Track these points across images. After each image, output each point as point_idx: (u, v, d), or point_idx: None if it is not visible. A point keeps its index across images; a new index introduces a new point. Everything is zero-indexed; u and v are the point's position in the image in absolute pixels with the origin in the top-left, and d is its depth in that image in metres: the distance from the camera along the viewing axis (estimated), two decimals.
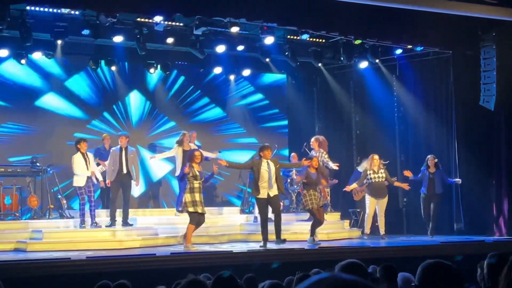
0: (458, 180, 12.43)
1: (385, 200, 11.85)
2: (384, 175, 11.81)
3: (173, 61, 14.02)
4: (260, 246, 10.18)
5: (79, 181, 11.04)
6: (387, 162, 12.20)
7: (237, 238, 11.86)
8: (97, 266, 8.15)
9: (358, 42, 13.00)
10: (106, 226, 11.25)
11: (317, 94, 15.61)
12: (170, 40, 12.25)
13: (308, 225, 11.16)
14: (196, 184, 10.00)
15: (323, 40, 13.52)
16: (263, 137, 14.51)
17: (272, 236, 10.34)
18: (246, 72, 14.71)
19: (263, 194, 10.20)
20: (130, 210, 11.74)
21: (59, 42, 11.63)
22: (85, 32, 11.56)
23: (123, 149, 11.55)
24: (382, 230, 11.85)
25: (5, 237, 10.47)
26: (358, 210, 13.43)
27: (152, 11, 11.00)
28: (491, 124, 12.65)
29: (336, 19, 11.52)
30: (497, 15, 11.47)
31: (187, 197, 10.00)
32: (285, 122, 15.64)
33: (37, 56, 12.41)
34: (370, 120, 14.70)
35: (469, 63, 12.72)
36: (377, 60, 13.81)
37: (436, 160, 12.38)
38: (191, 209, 9.95)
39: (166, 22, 11.88)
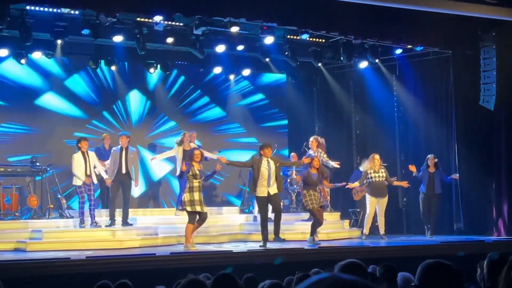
0: (455, 175, 12.39)
1: (385, 200, 11.86)
2: (384, 174, 11.81)
3: (173, 61, 14.02)
4: (260, 246, 10.17)
5: (77, 180, 11.05)
6: (385, 164, 12.20)
7: (237, 238, 11.86)
8: (97, 266, 8.15)
9: (357, 42, 12.99)
10: (106, 226, 11.25)
11: (317, 94, 15.61)
12: (170, 40, 12.25)
13: (308, 225, 11.16)
14: (196, 183, 10.00)
15: (323, 40, 13.53)
16: (263, 137, 14.51)
17: (272, 236, 10.34)
18: (246, 72, 14.71)
19: (263, 193, 10.20)
20: (130, 210, 11.75)
21: (59, 41, 11.63)
22: (85, 31, 11.57)
23: (124, 149, 11.55)
24: (382, 230, 11.85)
25: (5, 237, 10.47)
26: (358, 210, 13.43)
27: (152, 10, 11.00)
28: (491, 124, 12.65)
29: (336, 19, 11.52)
30: (497, 15, 11.46)
31: (186, 196, 10.02)
32: (285, 122, 15.65)
33: (37, 56, 12.41)
34: (370, 120, 14.70)
35: (469, 63, 12.71)
36: (377, 60, 13.81)
37: (436, 160, 12.38)
38: (189, 209, 9.97)
39: (166, 22, 11.87)
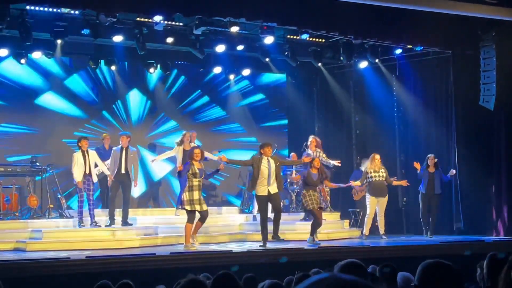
0: (452, 171, 12.38)
1: (385, 200, 11.85)
2: (384, 174, 11.82)
3: (173, 61, 14.02)
4: (260, 246, 10.17)
5: (76, 179, 11.07)
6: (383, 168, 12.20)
7: (237, 237, 11.85)
8: (97, 266, 8.16)
9: (357, 42, 12.99)
10: (106, 226, 11.25)
11: (317, 93, 15.61)
12: (170, 39, 12.25)
13: (307, 224, 11.16)
14: (195, 182, 10.01)
15: (323, 40, 13.53)
16: (263, 136, 14.51)
17: (270, 235, 10.34)
18: (246, 72, 14.71)
19: (263, 192, 10.19)
20: (130, 210, 11.75)
21: (59, 41, 11.63)
22: (85, 31, 11.57)
23: (124, 149, 11.55)
24: (381, 230, 11.85)
25: (4, 237, 10.46)
26: (358, 210, 13.44)
27: (152, 10, 11.00)
28: (490, 124, 12.65)
29: (336, 19, 11.52)
30: (497, 15, 11.47)
31: (185, 195, 10.04)
32: (285, 122, 15.65)
33: (37, 55, 12.40)
34: (370, 119, 14.70)
35: (469, 63, 12.72)
36: (377, 60, 13.81)
37: (436, 160, 12.38)
38: (188, 208, 9.99)
39: (166, 22, 11.87)
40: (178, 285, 4.17)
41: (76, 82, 13.66)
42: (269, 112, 15.55)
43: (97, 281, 5.21)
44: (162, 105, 14.51)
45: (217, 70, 14.37)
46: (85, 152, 11.15)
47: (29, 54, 12.26)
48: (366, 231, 11.95)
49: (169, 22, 12.01)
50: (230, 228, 12.26)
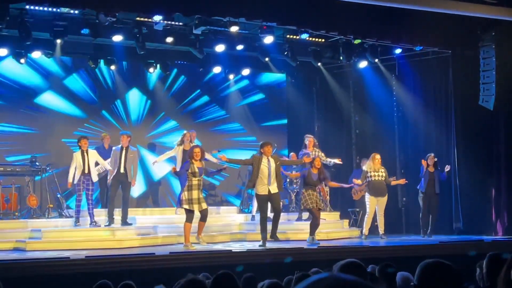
0: (447, 166, 12.37)
1: (384, 199, 11.86)
2: (384, 174, 11.83)
3: (173, 61, 14.01)
4: (260, 246, 10.17)
5: (68, 179, 11.16)
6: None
7: (236, 237, 11.85)
8: (96, 266, 8.15)
9: (357, 41, 13.01)
10: (105, 226, 11.25)
11: (317, 93, 15.61)
12: (169, 39, 12.25)
13: (306, 224, 11.17)
14: (195, 181, 10.02)
15: (323, 40, 13.53)
16: (262, 136, 14.49)
17: (268, 234, 10.34)
18: (246, 72, 14.71)
19: (263, 191, 10.19)
20: (130, 209, 11.75)
21: (58, 41, 11.62)
22: (85, 31, 11.57)
23: (124, 148, 11.55)
24: (381, 230, 11.85)
25: (4, 237, 10.46)
26: (358, 209, 13.44)
27: (152, 10, 11.00)
28: (490, 124, 12.66)
29: (335, 18, 11.53)
30: (496, 15, 11.47)
31: (184, 194, 10.07)
32: (285, 121, 15.65)
33: (37, 55, 12.40)
34: (370, 119, 14.71)
35: (468, 62, 12.72)
36: (376, 60, 13.81)
37: (436, 159, 12.38)
38: (186, 207, 10.03)
39: (165, 22, 11.87)
40: (178, 285, 4.17)
41: (76, 82, 13.66)
42: (269, 111, 15.55)
43: (97, 281, 5.21)
44: (161, 105, 14.51)
45: (217, 69, 14.37)
46: (85, 151, 11.16)
47: (28, 54, 12.26)
48: (365, 230, 11.95)
49: (169, 22, 12.01)
50: (230, 228, 12.26)
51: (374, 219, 11.94)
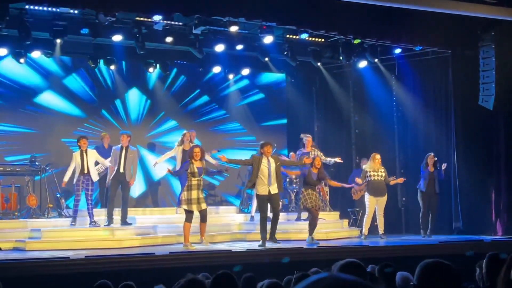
0: (444, 165, 12.36)
1: (384, 199, 11.86)
2: (383, 174, 11.83)
3: (172, 60, 14.01)
4: (259, 246, 10.17)
5: (64, 178, 11.18)
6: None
7: (236, 237, 11.85)
8: (96, 265, 8.15)
9: (357, 41, 13.01)
10: (105, 225, 11.25)
11: (316, 93, 15.61)
12: (169, 39, 12.25)
13: (305, 224, 11.17)
14: (194, 181, 10.02)
15: (322, 40, 13.53)
16: (262, 135, 14.51)
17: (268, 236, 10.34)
18: (246, 71, 14.71)
19: (263, 191, 10.19)
20: (130, 209, 11.74)
21: (58, 41, 11.62)
22: (84, 31, 11.56)
23: (124, 148, 11.55)
24: (381, 229, 11.86)
25: (4, 236, 10.46)
26: (357, 209, 13.44)
27: (151, 10, 10.99)
28: (490, 124, 12.66)
29: (335, 18, 11.53)
30: (496, 14, 11.47)
31: (183, 194, 10.11)
32: (284, 121, 15.65)
33: (36, 55, 12.40)
34: (369, 119, 14.71)
35: (468, 62, 12.72)
36: (376, 60, 13.81)
37: (435, 159, 12.39)
38: (185, 207, 10.05)
39: (165, 21, 11.87)
40: (178, 285, 4.17)
41: (75, 82, 13.66)
42: (269, 111, 15.54)
43: (96, 281, 5.21)
44: (161, 105, 14.50)
45: (217, 69, 14.37)
46: (84, 151, 11.16)
47: (28, 54, 12.26)
48: (365, 230, 11.95)
49: (169, 22, 12.00)
50: (229, 228, 12.26)
51: (374, 219, 11.94)
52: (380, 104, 14.46)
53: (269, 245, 10.22)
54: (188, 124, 14.10)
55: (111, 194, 11.49)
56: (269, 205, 10.44)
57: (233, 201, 14.71)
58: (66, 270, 8.00)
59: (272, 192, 10.19)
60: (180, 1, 10.75)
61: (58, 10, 11.24)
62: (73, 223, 11.18)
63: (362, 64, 13.96)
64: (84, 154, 11.16)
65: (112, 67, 13.44)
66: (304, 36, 12.50)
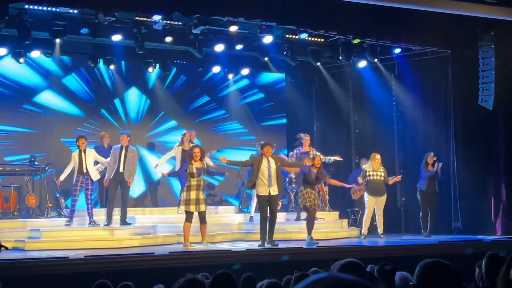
0: (439, 164, 12.36)
1: (383, 198, 11.86)
2: (383, 174, 11.83)
3: (172, 60, 14.00)
4: (259, 245, 10.17)
5: (60, 177, 11.23)
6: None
7: (236, 237, 11.85)
8: (96, 265, 8.15)
9: (356, 41, 13.01)
10: (104, 225, 11.25)
11: (316, 93, 15.61)
12: (168, 39, 12.24)
13: (305, 223, 11.17)
14: (193, 182, 10.01)
15: (322, 39, 13.52)
16: (262, 135, 14.54)
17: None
18: (245, 71, 14.70)
19: (264, 192, 10.18)
20: (130, 209, 11.73)
21: (57, 40, 11.61)
22: (84, 31, 11.55)
23: (124, 147, 11.54)
24: (380, 229, 11.86)
25: (3, 236, 10.38)
26: (357, 209, 13.44)
27: (151, 10, 10.99)
28: (489, 124, 12.66)
29: (334, 18, 11.53)
30: (496, 14, 11.47)
31: (183, 195, 10.12)
32: (284, 121, 15.65)
33: (36, 54, 12.39)
34: (369, 119, 14.71)
35: (467, 62, 12.72)
36: (375, 60, 13.80)
37: (435, 158, 12.39)
38: (183, 208, 10.06)
39: (164, 21, 11.86)
40: (177, 285, 4.17)
41: (75, 81, 13.65)
42: (268, 111, 15.55)
43: (96, 281, 5.21)
44: (161, 104, 14.50)
45: (216, 69, 14.38)
46: (82, 151, 11.15)
47: (28, 53, 12.25)
48: (364, 230, 11.95)
49: (168, 22, 11.99)
50: (229, 228, 12.25)
51: (373, 219, 11.95)
52: (379, 104, 14.46)
53: (268, 246, 10.20)
54: (188, 124, 14.10)
55: (111, 194, 11.48)
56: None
57: (233, 201, 14.70)
58: (65, 270, 8.00)
59: (272, 194, 10.18)
60: (180, 1, 10.75)
61: (57, 9, 11.23)
62: (68, 223, 11.16)
63: (362, 64, 13.96)
64: (83, 154, 11.16)
65: (112, 67, 13.44)
66: (304, 36, 12.50)
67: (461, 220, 12.74)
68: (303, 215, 12.26)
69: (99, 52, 13.03)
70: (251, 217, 12.46)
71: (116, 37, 11.93)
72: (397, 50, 13.56)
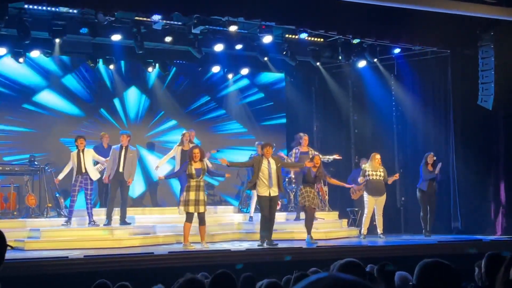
0: (439, 164, 12.36)
1: (383, 198, 11.86)
2: (382, 174, 11.83)
3: (172, 60, 14.00)
4: (258, 245, 10.17)
5: (58, 176, 11.24)
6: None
7: (235, 237, 11.85)
8: (95, 265, 8.15)
9: (356, 41, 13.02)
10: (104, 225, 11.24)
11: (316, 93, 15.61)
12: (168, 38, 12.24)
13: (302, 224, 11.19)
14: (193, 182, 10.00)
15: (322, 39, 13.52)
16: (261, 135, 14.53)
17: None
18: (245, 71, 14.70)
19: (265, 192, 10.18)
20: (129, 209, 11.72)
21: (57, 40, 11.61)
22: (83, 30, 11.55)
23: (124, 147, 11.54)
24: (380, 229, 11.86)
25: None
26: (356, 209, 13.44)
27: (151, 9, 10.99)
28: (489, 124, 12.66)
29: (334, 18, 11.53)
30: (495, 14, 11.47)
31: (182, 195, 10.13)
32: (284, 121, 15.65)
33: (35, 54, 12.39)
34: (369, 119, 14.71)
35: (467, 62, 12.72)
36: (375, 59, 13.80)
37: (435, 158, 12.39)
38: (182, 208, 10.08)
39: (164, 21, 11.86)
40: (177, 284, 4.17)
41: (74, 81, 13.64)
42: (268, 111, 15.55)
43: (95, 280, 5.21)
44: (161, 104, 14.49)
45: (216, 69, 14.38)
46: (81, 151, 11.15)
47: (27, 53, 12.25)
48: (364, 230, 11.95)
49: (168, 21, 11.99)
50: (229, 228, 12.25)
51: (373, 219, 11.95)
52: (379, 103, 14.46)
53: (267, 246, 10.20)
54: (187, 123, 14.10)
55: (111, 194, 11.47)
56: None
57: (232, 201, 14.69)
58: (65, 270, 8.00)
59: (272, 195, 10.18)
60: (179, 1, 10.75)
61: (57, 9, 11.23)
62: (65, 223, 11.15)
63: (361, 63, 13.96)
64: (81, 153, 11.15)
65: (111, 66, 13.44)
66: (303, 35, 12.50)
67: (461, 220, 12.74)
68: (303, 215, 12.25)
69: (99, 52, 13.03)
70: (251, 217, 12.46)
71: (116, 37, 11.93)
72: (397, 50, 13.56)
